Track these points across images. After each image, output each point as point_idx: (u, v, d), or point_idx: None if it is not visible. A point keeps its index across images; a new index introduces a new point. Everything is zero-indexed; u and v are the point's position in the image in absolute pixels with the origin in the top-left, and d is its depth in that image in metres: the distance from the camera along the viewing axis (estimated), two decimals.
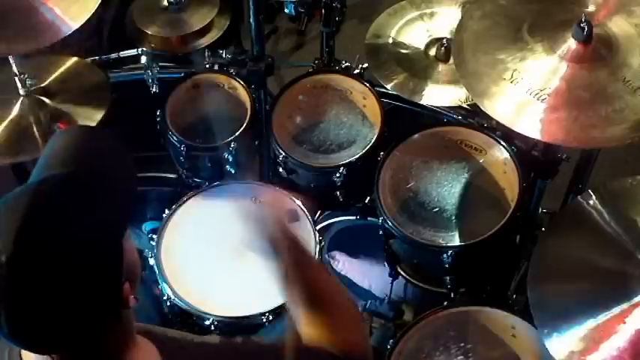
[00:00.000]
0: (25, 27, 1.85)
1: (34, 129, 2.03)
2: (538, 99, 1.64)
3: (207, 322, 1.92)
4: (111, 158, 1.13)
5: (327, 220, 2.32)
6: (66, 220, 1.00)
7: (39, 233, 0.98)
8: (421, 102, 2.17)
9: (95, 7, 1.85)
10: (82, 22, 1.84)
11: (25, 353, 1.12)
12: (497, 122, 2.07)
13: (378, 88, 2.22)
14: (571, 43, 1.67)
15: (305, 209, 2.11)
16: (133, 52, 2.42)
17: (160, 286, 1.98)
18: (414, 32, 2.31)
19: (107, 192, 1.07)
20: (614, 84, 1.63)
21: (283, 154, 2.14)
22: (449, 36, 2.23)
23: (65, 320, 1.01)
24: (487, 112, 1.70)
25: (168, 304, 1.97)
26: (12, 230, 0.97)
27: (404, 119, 2.27)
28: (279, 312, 1.92)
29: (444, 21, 2.30)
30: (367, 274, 2.50)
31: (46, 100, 2.08)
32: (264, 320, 1.91)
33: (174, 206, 2.13)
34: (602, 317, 1.51)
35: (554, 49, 1.68)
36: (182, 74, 2.31)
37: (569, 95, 1.64)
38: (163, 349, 1.19)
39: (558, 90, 1.64)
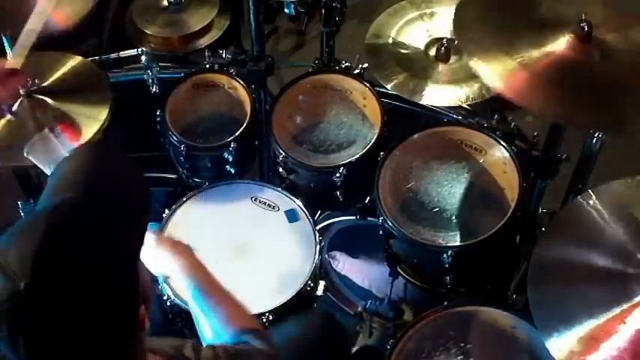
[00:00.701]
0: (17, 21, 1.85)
1: (35, 130, 2.03)
2: (527, 69, 1.67)
3: None
4: (123, 176, 1.13)
5: (327, 220, 2.32)
6: (82, 245, 1.00)
7: (56, 260, 0.98)
8: (421, 102, 2.16)
9: (89, 8, 1.84)
10: (74, 22, 1.84)
11: None
12: (497, 122, 2.09)
13: (378, 88, 2.22)
14: (570, 40, 1.70)
15: (305, 209, 2.12)
16: (133, 52, 2.42)
17: (159, 286, 1.98)
18: (414, 32, 2.31)
19: (122, 213, 1.06)
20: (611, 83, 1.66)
21: (283, 154, 2.14)
22: (449, 36, 2.23)
23: (82, 346, 1.00)
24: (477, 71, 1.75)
25: (169, 304, 1.97)
26: (29, 258, 0.97)
27: (404, 119, 2.27)
28: (279, 312, 1.93)
29: (444, 21, 2.29)
30: (367, 274, 2.51)
31: (47, 100, 2.08)
32: (264, 320, 1.91)
33: (174, 206, 2.13)
34: (602, 317, 1.51)
35: (555, 36, 1.71)
36: (182, 74, 2.31)
37: (556, 73, 1.68)
38: None
39: (548, 65, 1.68)
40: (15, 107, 1.96)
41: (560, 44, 1.72)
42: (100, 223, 1.03)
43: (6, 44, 1.97)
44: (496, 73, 1.71)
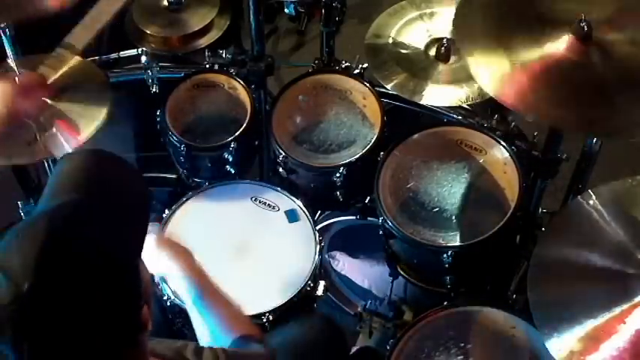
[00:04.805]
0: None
1: (34, 129, 2.03)
2: (525, 71, 1.67)
3: None
4: (122, 179, 1.13)
5: (327, 220, 2.32)
6: (84, 246, 1.00)
7: (58, 262, 0.98)
8: (421, 102, 2.16)
9: None
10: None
11: None
12: (497, 122, 2.09)
13: (378, 88, 2.22)
14: (570, 40, 1.69)
15: (305, 209, 2.12)
16: (133, 52, 2.42)
17: (160, 286, 1.98)
18: (414, 32, 2.31)
19: (121, 214, 1.06)
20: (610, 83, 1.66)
21: (283, 154, 2.14)
22: (449, 36, 2.23)
23: (86, 348, 1.00)
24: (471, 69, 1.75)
25: (168, 304, 1.97)
26: (31, 259, 0.96)
27: (404, 119, 2.27)
28: (279, 312, 1.93)
29: (444, 21, 2.29)
30: (367, 274, 2.51)
31: (47, 100, 2.08)
32: (264, 320, 1.91)
33: (174, 206, 2.13)
34: (602, 317, 1.51)
35: (554, 37, 1.70)
36: (182, 74, 2.31)
37: (554, 75, 1.67)
38: None
39: (546, 67, 1.68)
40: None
41: (560, 45, 1.71)
42: (101, 225, 1.03)
43: (6, 44, 1.97)
44: (493, 76, 1.71)
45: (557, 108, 1.67)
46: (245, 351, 1.39)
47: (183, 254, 1.61)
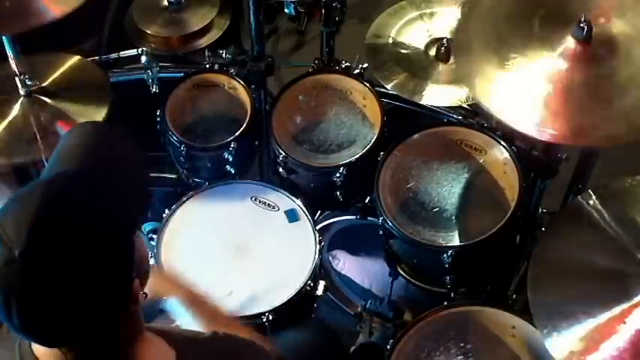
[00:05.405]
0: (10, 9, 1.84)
1: (34, 129, 2.03)
2: (531, 92, 1.64)
3: None
4: (123, 154, 1.14)
5: (327, 220, 2.32)
6: (78, 215, 1.01)
7: (52, 228, 0.98)
8: (421, 102, 2.16)
9: None
10: (69, 10, 1.82)
11: (35, 346, 1.12)
12: (498, 122, 2.09)
13: (378, 88, 2.22)
14: (571, 43, 1.67)
15: (305, 209, 2.12)
16: (133, 52, 2.42)
17: None
18: (414, 32, 2.31)
19: (119, 187, 1.07)
20: (611, 84, 1.63)
21: (283, 154, 2.14)
22: (449, 36, 2.23)
23: (77, 315, 1.01)
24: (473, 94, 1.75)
25: None
26: (25, 224, 0.97)
27: (404, 119, 2.27)
28: (279, 312, 1.93)
29: (444, 21, 2.29)
30: (367, 274, 2.51)
31: (46, 100, 2.08)
32: (264, 320, 1.91)
33: (174, 206, 2.13)
34: (602, 317, 1.51)
35: (554, 47, 1.68)
36: (182, 74, 2.32)
37: (563, 92, 1.64)
38: (176, 346, 1.20)
39: (553, 86, 1.64)
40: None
41: (560, 52, 1.66)
42: (97, 194, 1.04)
43: (6, 45, 1.97)
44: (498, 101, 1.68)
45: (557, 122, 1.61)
46: (248, 340, 1.39)
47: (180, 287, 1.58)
